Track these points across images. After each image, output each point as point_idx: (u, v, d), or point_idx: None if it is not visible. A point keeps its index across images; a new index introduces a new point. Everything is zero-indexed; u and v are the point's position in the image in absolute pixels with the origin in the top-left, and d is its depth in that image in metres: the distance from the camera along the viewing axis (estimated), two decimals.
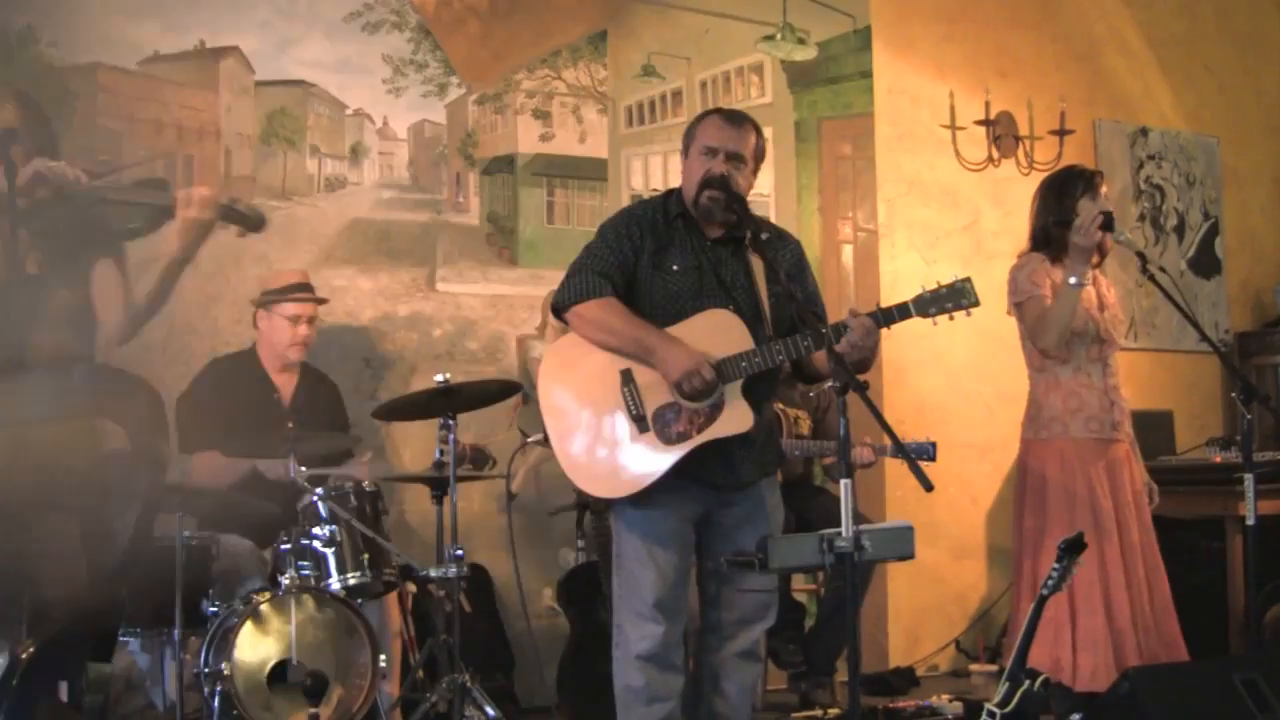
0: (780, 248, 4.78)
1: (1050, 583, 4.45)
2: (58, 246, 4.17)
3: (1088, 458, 5.56)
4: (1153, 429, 7.45)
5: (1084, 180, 5.68)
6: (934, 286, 4.47)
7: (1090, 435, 5.57)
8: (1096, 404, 5.59)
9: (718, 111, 4.78)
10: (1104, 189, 5.67)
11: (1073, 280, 5.45)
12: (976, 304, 4.45)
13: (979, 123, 8.12)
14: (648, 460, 4.52)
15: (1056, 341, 5.53)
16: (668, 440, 4.51)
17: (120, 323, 4.22)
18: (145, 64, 6.29)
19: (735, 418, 4.52)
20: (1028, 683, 4.35)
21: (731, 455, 4.60)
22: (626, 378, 4.56)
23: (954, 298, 4.44)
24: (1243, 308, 9.12)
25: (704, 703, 4.80)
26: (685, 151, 4.75)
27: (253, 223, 4.23)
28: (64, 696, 2.54)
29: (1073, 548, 4.41)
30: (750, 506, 4.71)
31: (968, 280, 4.45)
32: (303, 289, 5.89)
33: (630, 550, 4.65)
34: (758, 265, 4.64)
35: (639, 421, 4.53)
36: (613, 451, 4.55)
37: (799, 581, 6.94)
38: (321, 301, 6.01)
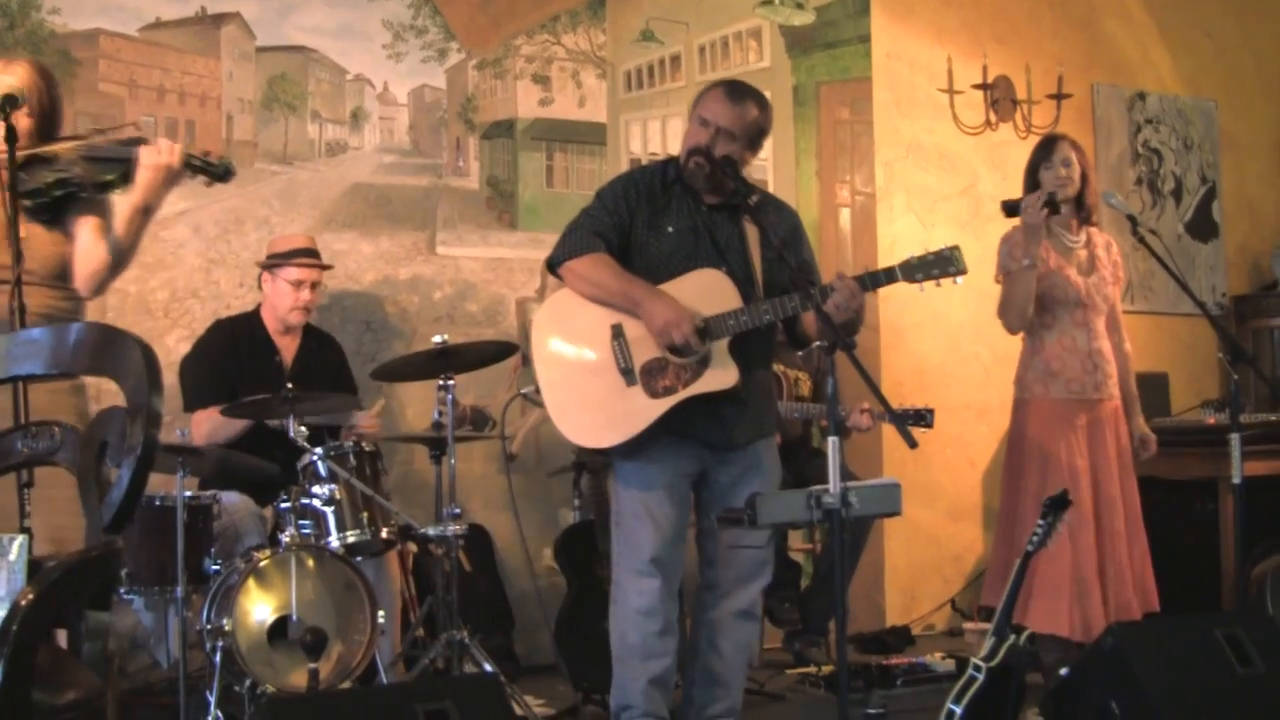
0: (776, 216, 4.87)
1: (1035, 539, 4.53)
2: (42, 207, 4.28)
3: (1067, 417, 5.66)
4: (1148, 391, 7.48)
5: (1040, 150, 5.81)
6: (922, 253, 4.55)
7: (1070, 396, 5.67)
8: (1079, 366, 5.68)
9: (723, 84, 4.85)
10: (1065, 151, 5.71)
11: (1026, 261, 5.55)
12: (964, 271, 4.54)
13: (977, 87, 8.15)
14: (634, 412, 4.61)
15: (1015, 323, 5.72)
16: (654, 393, 4.61)
17: (91, 274, 4.31)
18: (147, 30, 6.35)
19: (720, 375, 4.61)
20: (1013, 637, 4.43)
21: (722, 414, 4.69)
22: (617, 332, 4.66)
23: (941, 265, 4.54)
24: (1240, 271, 9.16)
25: (700, 660, 4.88)
26: (690, 115, 4.84)
27: (218, 172, 4.33)
28: (63, 643, 2.63)
29: (1056, 505, 4.50)
30: (746, 466, 4.79)
31: (956, 248, 4.55)
32: (307, 254, 5.95)
33: (628, 506, 4.74)
34: (752, 231, 4.75)
35: (626, 374, 4.63)
36: (600, 403, 4.65)
37: (796, 541, 7.01)
38: (326, 267, 6.07)
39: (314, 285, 5.95)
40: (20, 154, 4.22)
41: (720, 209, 4.79)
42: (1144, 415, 5.95)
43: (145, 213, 4.27)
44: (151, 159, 4.20)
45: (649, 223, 4.75)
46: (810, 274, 4.85)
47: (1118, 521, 5.63)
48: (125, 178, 4.25)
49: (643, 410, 4.61)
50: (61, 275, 4.32)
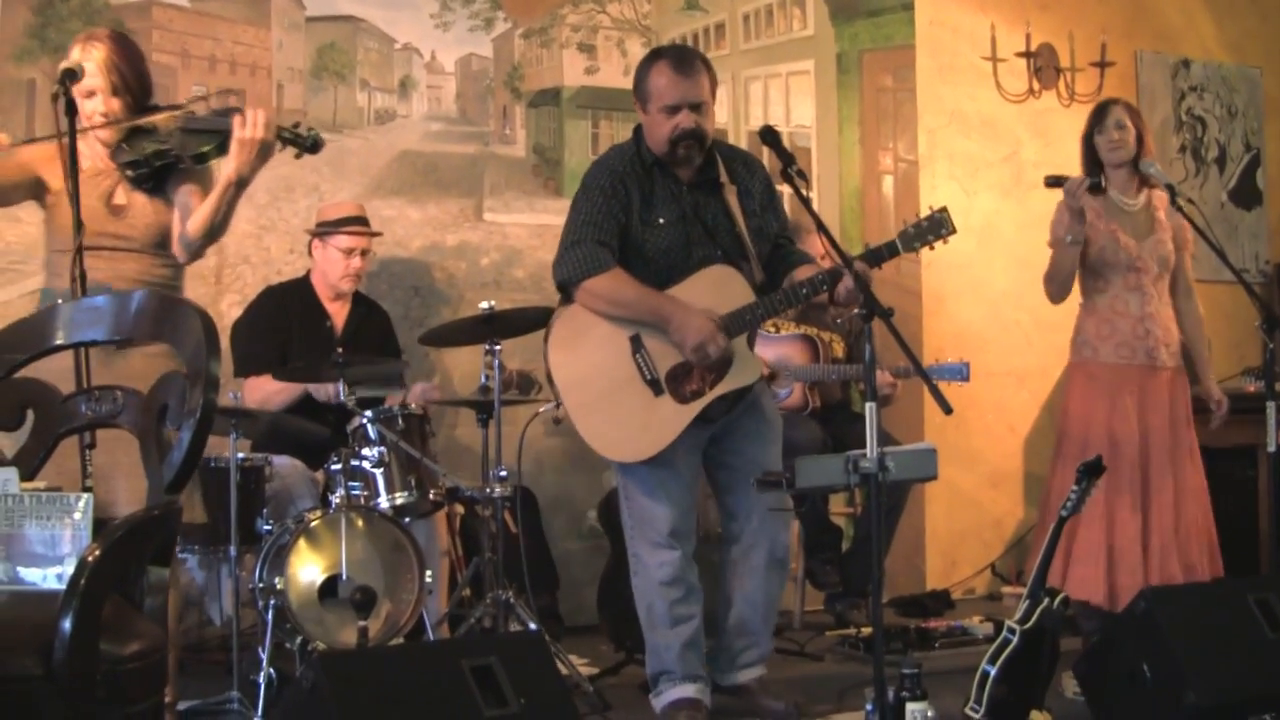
0: (748, 176, 4.92)
1: (1069, 504, 4.60)
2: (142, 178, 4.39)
3: (1116, 382, 5.71)
4: (1189, 358, 7.55)
5: (1094, 116, 5.86)
6: (915, 221, 4.71)
7: (1120, 361, 5.71)
8: (1129, 330, 5.71)
9: (664, 59, 4.81)
10: (1118, 115, 5.74)
11: (1068, 238, 5.61)
12: (953, 232, 4.71)
13: (1020, 55, 8.16)
14: (666, 421, 4.71)
15: (1055, 294, 5.82)
16: (682, 399, 4.71)
17: (189, 242, 4.41)
18: (199, 1, 6.46)
19: (745, 370, 4.74)
20: (1047, 600, 4.50)
21: (729, 394, 4.77)
22: (636, 344, 4.73)
23: (934, 229, 4.70)
24: None
25: (731, 610, 5.02)
26: (644, 105, 4.80)
27: (308, 144, 4.37)
28: (127, 597, 2.74)
29: (1091, 470, 4.56)
30: (747, 414, 4.91)
31: (944, 210, 4.71)
32: (358, 221, 6.04)
33: (638, 483, 4.84)
34: (734, 201, 4.81)
35: (653, 385, 4.72)
36: (632, 417, 4.72)
37: (837, 505, 7.08)
38: (375, 235, 6.17)
39: (364, 253, 6.04)
40: (122, 125, 4.35)
41: (699, 186, 4.84)
42: (1193, 381, 5.97)
43: (239, 185, 4.31)
44: (243, 131, 4.25)
45: (641, 216, 4.77)
46: (788, 233, 5.02)
47: (1166, 493, 5.66)
48: (222, 148, 4.30)
49: (674, 417, 4.70)
50: (161, 243, 4.44)
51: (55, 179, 4.31)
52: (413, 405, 5.65)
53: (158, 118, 4.38)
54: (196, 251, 4.46)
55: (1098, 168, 5.78)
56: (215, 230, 4.40)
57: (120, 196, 4.38)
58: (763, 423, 4.95)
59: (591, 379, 4.75)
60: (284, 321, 5.96)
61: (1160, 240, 5.76)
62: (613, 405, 4.72)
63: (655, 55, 4.88)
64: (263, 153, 4.30)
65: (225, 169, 4.30)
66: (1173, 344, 5.78)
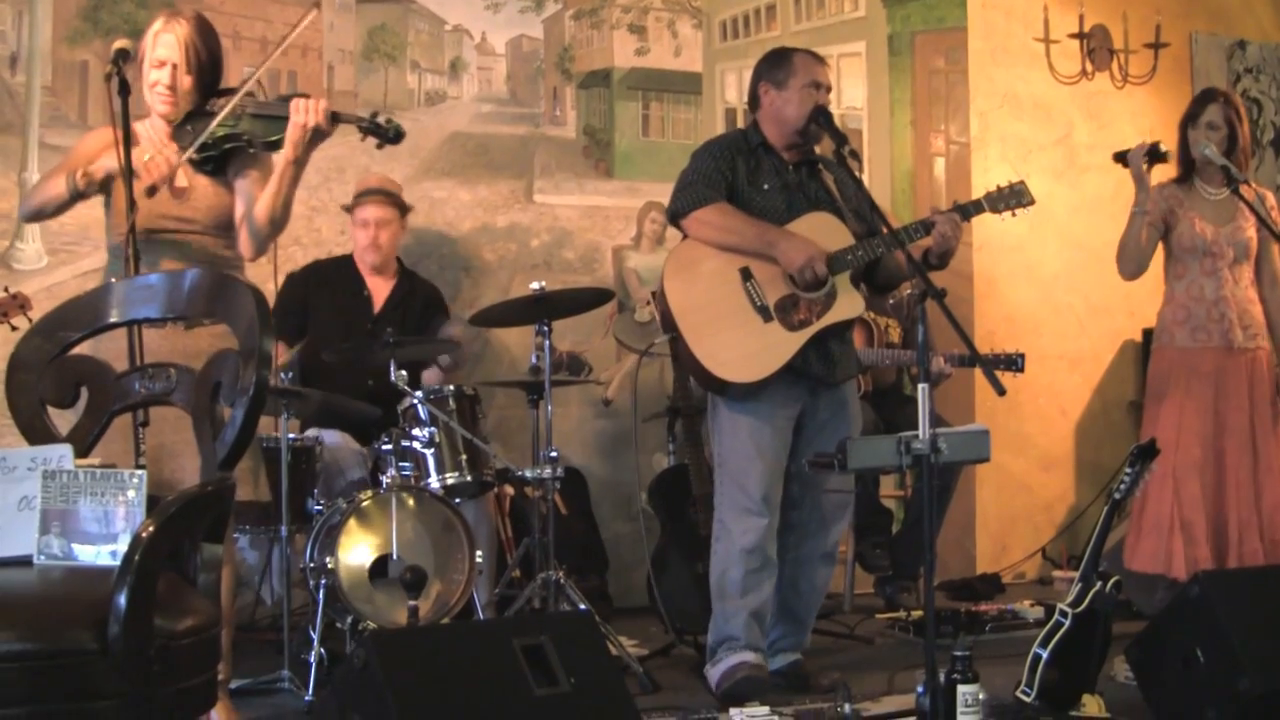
0: (841, 172, 5.11)
1: (1122, 487, 4.58)
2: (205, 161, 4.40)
3: (1190, 365, 5.77)
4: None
5: (1191, 107, 5.91)
6: (996, 188, 5.10)
7: (1195, 344, 5.76)
8: (1204, 315, 5.75)
9: (801, 50, 5.23)
10: (1211, 115, 5.79)
11: (1135, 209, 5.71)
12: (1032, 202, 5.13)
13: (1073, 36, 8.09)
14: (776, 345, 4.89)
15: (1124, 268, 5.84)
16: (791, 327, 4.91)
17: (250, 235, 4.41)
18: None
19: (849, 304, 4.96)
20: (1099, 583, 4.48)
21: (830, 352, 5.00)
22: (746, 274, 4.94)
23: (1015, 197, 5.11)
24: None
25: (778, 597, 5.09)
26: (780, 84, 5.09)
27: (390, 135, 4.36)
28: (181, 573, 2.74)
29: (1144, 454, 4.55)
30: (835, 408, 5.08)
31: (1022, 182, 5.12)
32: (375, 193, 6.08)
33: (737, 445, 4.98)
34: (832, 185, 5.11)
35: (763, 312, 4.91)
36: (744, 340, 4.90)
37: (887, 487, 7.06)
38: (404, 209, 6.19)
39: (384, 224, 6.07)
40: (186, 109, 4.37)
41: (800, 166, 5.12)
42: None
43: (296, 165, 4.32)
44: (298, 117, 4.25)
45: (748, 180, 5.03)
46: (884, 218, 5.11)
47: (1243, 470, 5.70)
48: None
49: (785, 342, 4.88)
50: (224, 225, 4.43)
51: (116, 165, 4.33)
52: (465, 386, 5.66)
53: (224, 101, 4.37)
54: (263, 244, 4.45)
55: (1189, 155, 5.79)
56: (280, 218, 4.38)
57: (182, 179, 4.35)
58: (844, 417, 5.11)
59: (704, 305, 4.95)
60: (322, 293, 6.09)
61: (1240, 227, 5.79)
62: (725, 329, 4.90)
63: (787, 49, 5.28)
64: (317, 138, 4.31)
65: (284, 153, 4.31)
66: (1252, 325, 5.80)
